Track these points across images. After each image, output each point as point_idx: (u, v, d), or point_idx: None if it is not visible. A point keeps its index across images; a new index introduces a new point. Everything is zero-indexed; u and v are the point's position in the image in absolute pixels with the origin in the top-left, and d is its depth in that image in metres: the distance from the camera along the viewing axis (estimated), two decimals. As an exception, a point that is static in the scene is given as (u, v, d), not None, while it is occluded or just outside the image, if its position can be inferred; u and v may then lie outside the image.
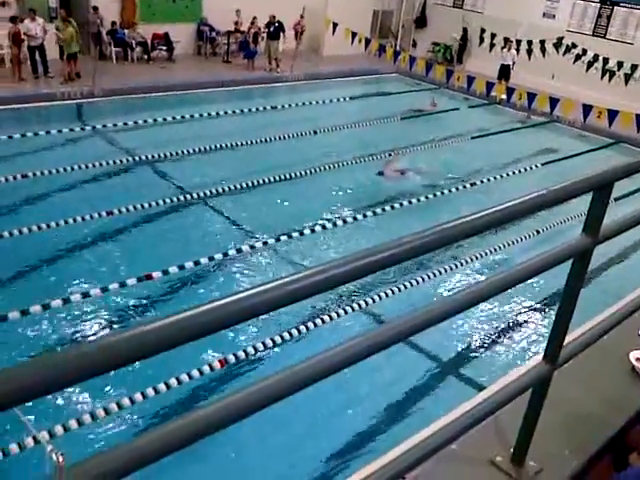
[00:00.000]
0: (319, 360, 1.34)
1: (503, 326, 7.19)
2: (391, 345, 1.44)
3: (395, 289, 7.10)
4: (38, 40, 13.79)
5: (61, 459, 2.51)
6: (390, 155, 11.78)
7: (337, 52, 19.32)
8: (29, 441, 4.01)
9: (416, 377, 6.13)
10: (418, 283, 7.32)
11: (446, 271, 7.76)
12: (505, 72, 17.07)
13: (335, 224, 8.84)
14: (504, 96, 16.04)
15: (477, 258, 8.19)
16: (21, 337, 5.97)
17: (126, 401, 5.03)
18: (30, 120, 12.43)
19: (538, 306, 7.57)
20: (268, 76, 17.07)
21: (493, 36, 19.87)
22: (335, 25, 17.34)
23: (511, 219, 1.63)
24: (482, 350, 6.72)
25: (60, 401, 5.00)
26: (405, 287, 7.18)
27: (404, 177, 11.21)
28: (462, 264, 8.00)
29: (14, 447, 4.19)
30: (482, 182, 10.90)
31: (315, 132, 12.60)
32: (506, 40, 17.99)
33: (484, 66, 18.75)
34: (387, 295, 7.00)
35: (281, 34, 17.30)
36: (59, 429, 4.43)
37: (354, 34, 17.39)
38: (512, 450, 2.23)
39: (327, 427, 5.37)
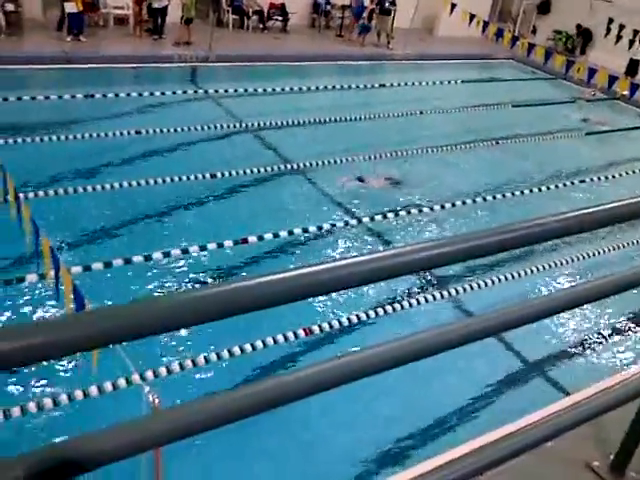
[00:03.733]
0: (411, 341, 1.31)
1: (604, 331, 6.86)
2: (479, 340, 1.39)
3: (488, 281, 6.91)
4: (163, 2, 14.30)
5: (157, 401, 2.64)
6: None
7: (452, 33, 18.80)
8: (130, 380, 4.28)
9: (511, 372, 5.99)
10: (514, 278, 7.09)
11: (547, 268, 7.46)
12: (634, 67, 16.03)
13: (432, 209, 8.68)
14: (627, 92, 15.07)
15: (584, 257, 7.80)
16: (123, 284, 6.29)
17: (213, 356, 5.22)
18: (147, 80, 12.95)
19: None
20: (379, 53, 16.90)
21: (621, 28, 18.65)
22: (453, 6, 16.85)
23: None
24: (583, 352, 6.47)
25: (156, 348, 5.27)
26: (500, 280, 6.97)
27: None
28: (562, 263, 7.67)
29: (109, 385, 4.52)
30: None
31: (421, 112, 12.38)
32: (636, 32, 16.85)
33: (609, 59, 17.67)
34: (479, 286, 6.83)
35: (393, 10, 17.03)
36: (150, 374, 4.67)
37: (472, 16, 16.83)
38: (612, 457, 2.12)
39: (414, 410, 5.34)
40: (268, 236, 7.26)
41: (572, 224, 1.34)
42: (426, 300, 6.60)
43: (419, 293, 6.80)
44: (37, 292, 5.85)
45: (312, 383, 1.35)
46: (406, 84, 13.93)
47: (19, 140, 8.55)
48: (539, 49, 16.57)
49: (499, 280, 6.92)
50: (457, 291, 6.77)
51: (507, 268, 7.30)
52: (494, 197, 9.08)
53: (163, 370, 4.85)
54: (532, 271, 7.29)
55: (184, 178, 8.28)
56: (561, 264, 7.61)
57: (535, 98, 15.11)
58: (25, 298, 5.86)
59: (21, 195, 5.51)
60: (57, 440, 1.04)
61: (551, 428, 1.67)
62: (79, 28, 13.75)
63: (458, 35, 18.47)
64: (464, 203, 8.83)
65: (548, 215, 1.30)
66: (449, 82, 14.76)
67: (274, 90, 12.25)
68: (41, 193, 7.27)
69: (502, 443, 1.61)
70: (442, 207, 8.66)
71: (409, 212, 8.52)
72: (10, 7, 13.44)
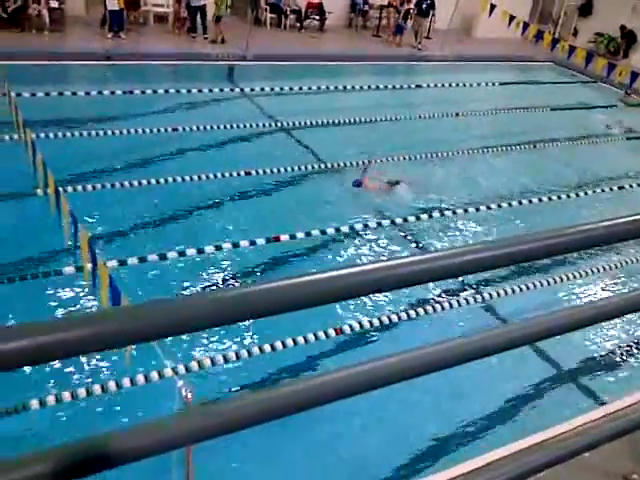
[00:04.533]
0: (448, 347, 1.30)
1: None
2: (515, 348, 1.36)
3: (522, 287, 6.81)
4: (201, 1, 14.45)
5: (190, 395, 2.66)
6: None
7: (490, 35, 18.58)
8: (164, 373, 4.35)
9: (544, 379, 5.90)
10: (549, 284, 6.97)
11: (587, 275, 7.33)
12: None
13: (466, 210, 8.59)
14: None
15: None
16: (156, 278, 6.37)
17: (243, 353, 5.25)
18: (185, 77, 13.10)
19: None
20: (415, 53, 16.80)
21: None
22: (493, 7, 16.64)
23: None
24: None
25: (188, 343, 5.32)
26: (535, 286, 6.86)
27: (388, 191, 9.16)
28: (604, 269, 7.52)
29: (141, 378, 4.59)
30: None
31: (457, 114, 12.27)
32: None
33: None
34: (513, 291, 6.74)
35: (431, 12, 16.92)
36: (181, 368, 4.72)
37: (512, 17, 16.60)
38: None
39: (444, 414, 5.29)
40: (300, 235, 7.28)
41: (619, 231, 1.31)
42: (459, 304, 6.54)
43: (452, 296, 6.73)
44: (74, 285, 5.96)
45: (345, 385, 1.35)
46: (443, 85, 13.81)
47: (59, 134, 8.72)
48: (580, 52, 16.24)
49: (534, 286, 6.82)
50: (494, 295, 6.70)
51: (546, 273, 7.19)
52: (530, 201, 8.95)
53: (195, 364, 4.90)
54: (575, 276, 7.20)
55: (219, 175, 8.35)
56: (604, 270, 7.50)
57: (575, 102, 14.85)
58: (62, 291, 5.97)
59: (60, 189, 5.61)
60: (86, 435, 1.05)
61: (587, 439, 1.63)
62: (120, 25, 13.98)
63: (497, 36, 18.25)
64: (499, 206, 8.72)
65: (597, 221, 1.27)
66: (486, 84, 14.60)
67: (310, 89, 12.27)
68: (79, 187, 7.41)
69: (537, 452, 1.59)
70: (477, 210, 8.57)
71: (442, 214, 8.45)
72: (54, 4, 13.74)
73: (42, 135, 8.38)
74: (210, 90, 11.67)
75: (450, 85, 13.88)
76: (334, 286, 1.19)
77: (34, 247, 6.57)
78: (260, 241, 7.03)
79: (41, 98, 9.79)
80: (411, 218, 8.19)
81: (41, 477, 1.00)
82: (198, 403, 2.72)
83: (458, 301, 6.58)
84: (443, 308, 6.42)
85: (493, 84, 14.79)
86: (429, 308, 6.35)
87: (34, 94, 9.68)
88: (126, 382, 4.60)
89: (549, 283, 6.95)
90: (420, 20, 16.91)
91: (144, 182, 7.78)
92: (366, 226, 7.96)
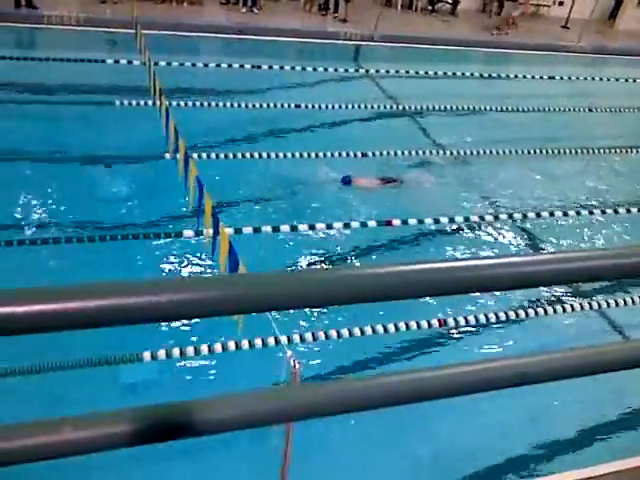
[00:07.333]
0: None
1: None
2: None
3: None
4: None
5: (297, 366, 2.73)
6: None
7: (636, 26, 17.33)
8: (271, 342, 4.50)
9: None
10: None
11: None
12: None
13: (591, 212, 8.12)
14: None
15: None
16: (268, 250, 6.54)
17: (343, 331, 5.28)
18: (312, 55, 13.24)
19: None
20: (552, 44, 15.97)
21: None
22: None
23: None
24: None
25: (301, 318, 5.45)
26: None
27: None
28: None
29: (245, 343, 4.75)
30: None
31: (589, 109, 11.58)
32: None
33: None
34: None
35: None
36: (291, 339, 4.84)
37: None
38: None
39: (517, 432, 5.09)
40: (412, 221, 7.20)
41: None
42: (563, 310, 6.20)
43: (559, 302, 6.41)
44: (191, 248, 6.26)
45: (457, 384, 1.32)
46: (577, 78, 13.06)
47: (189, 103, 9.11)
48: None
49: None
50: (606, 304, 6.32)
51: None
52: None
53: (309, 336, 5.00)
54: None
55: (336, 154, 8.39)
56: None
57: None
58: (180, 252, 6.29)
59: (190, 154, 5.87)
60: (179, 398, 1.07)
61: None
62: (253, 0, 14.31)
63: (643, 29, 17.02)
64: (628, 211, 8.18)
65: None
66: (626, 80, 13.64)
67: (436, 74, 12.01)
68: (204, 155, 7.72)
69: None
70: (600, 212, 8.09)
71: (565, 214, 8.03)
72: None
73: (174, 103, 8.79)
74: (335, 69, 11.71)
75: (585, 78, 13.10)
76: (455, 276, 1.16)
77: (157, 208, 6.97)
78: (371, 223, 7.03)
79: (175, 67, 10.25)
80: (530, 214, 7.87)
81: (120, 436, 1.03)
82: (297, 383, 2.76)
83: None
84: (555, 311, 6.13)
85: (634, 80, 13.78)
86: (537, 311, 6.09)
87: (169, 63, 10.15)
88: (231, 345, 4.77)
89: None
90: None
91: (264, 155, 7.97)
92: (482, 218, 7.74)
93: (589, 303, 6.31)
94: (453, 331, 5.81)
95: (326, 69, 11.48)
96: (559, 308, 6.09)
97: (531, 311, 5.99)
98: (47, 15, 12.20)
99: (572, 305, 6.19)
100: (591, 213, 8.13)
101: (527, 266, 1.16)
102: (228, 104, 9.33)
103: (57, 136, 8.24)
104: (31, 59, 10.28)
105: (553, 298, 6.49)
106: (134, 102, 8.77)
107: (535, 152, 9.42)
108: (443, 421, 4.75)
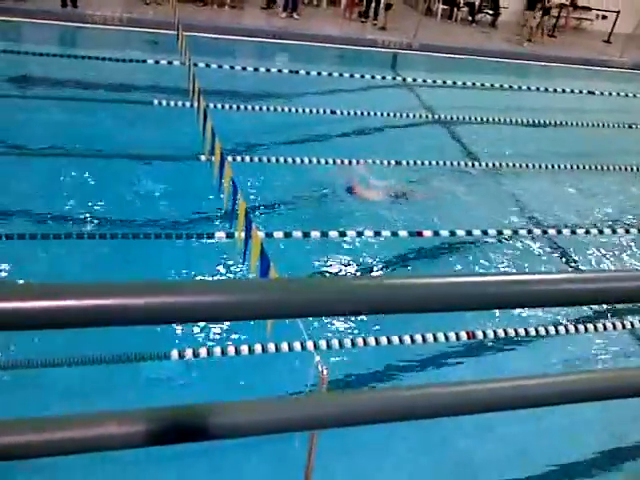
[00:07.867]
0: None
1: None
2: None
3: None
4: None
5: (325, 372, 2.73)
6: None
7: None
8: (298, 346, 4.51)
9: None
10: None
11: None
12: None
13: (628, 231, 7.97)
14: None
15: None
16: (296, 255, 6.54)
17: (370, 340, 5.26)
18: (349, 61, 13.26)
19: None
20: (595, 58, 15.73)
21: None
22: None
23: None
24: None
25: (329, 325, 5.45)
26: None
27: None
28: None
29: (271, 346, 4.76)
30: None
31: (630, 127, 11.40)
32: None
33: None
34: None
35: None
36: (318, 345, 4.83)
37: None
38: None
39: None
40: (444, 233, 7.14)
41: None
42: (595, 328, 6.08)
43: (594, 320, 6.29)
44: (223, 250, 6.30)
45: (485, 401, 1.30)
46: (618, 94, 12.84)
47: (226, 106, 9.19)
48: None
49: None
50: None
51: None
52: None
53: (335, 342, 4.99)
54: None
55: (369, 162, 8.38)
56: None
57: None
58: (211, 254, 6.34)
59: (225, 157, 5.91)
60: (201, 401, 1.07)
61: None
62: (294, 5, 14.42)
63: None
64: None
65: None
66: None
67: (473, 85, 11.93)
68: (238, 157, 7.78)
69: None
70: (637, 231, 7.93)
71: (587, 232, 7.87)
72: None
73: (211, 105, 8.87)
74: (372, 77, 11.71)
75: (627, 95, 12.88)
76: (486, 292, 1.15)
77: (190, 208, 7.04)
78: (402, 233, 6.99)
79: (214, 70, 10.37)
80: (565, 230, 7.75)
81: (135, 435, 1.03)
82: (320, 390, 2.76)
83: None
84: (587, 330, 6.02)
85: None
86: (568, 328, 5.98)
87: (208, 65, 10.26)
88: (257, 348, 4.78)
89: None
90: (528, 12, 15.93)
91: (297, 160, 8.00)
92: (515, 232, 7.64)
93: (622, 323, 6.19)
94: (483, 344, 5.74)
95: (363, 76, 11.49)
96: (590, 326, 5.99)
97: (563, 328, 5.90)
98: (91, 14, 12.46)
99: (604, 324, 6.08)
100: (627, 232, 7.97)
101: (568, 284, 1.14)
102: (264, 108, 9.40)
103: (96, 133, 8.40)
104: (74, 57, 10.50)
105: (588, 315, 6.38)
106: (172, 102, 8.89)
107: (572, 167, 9.28)
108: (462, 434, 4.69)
